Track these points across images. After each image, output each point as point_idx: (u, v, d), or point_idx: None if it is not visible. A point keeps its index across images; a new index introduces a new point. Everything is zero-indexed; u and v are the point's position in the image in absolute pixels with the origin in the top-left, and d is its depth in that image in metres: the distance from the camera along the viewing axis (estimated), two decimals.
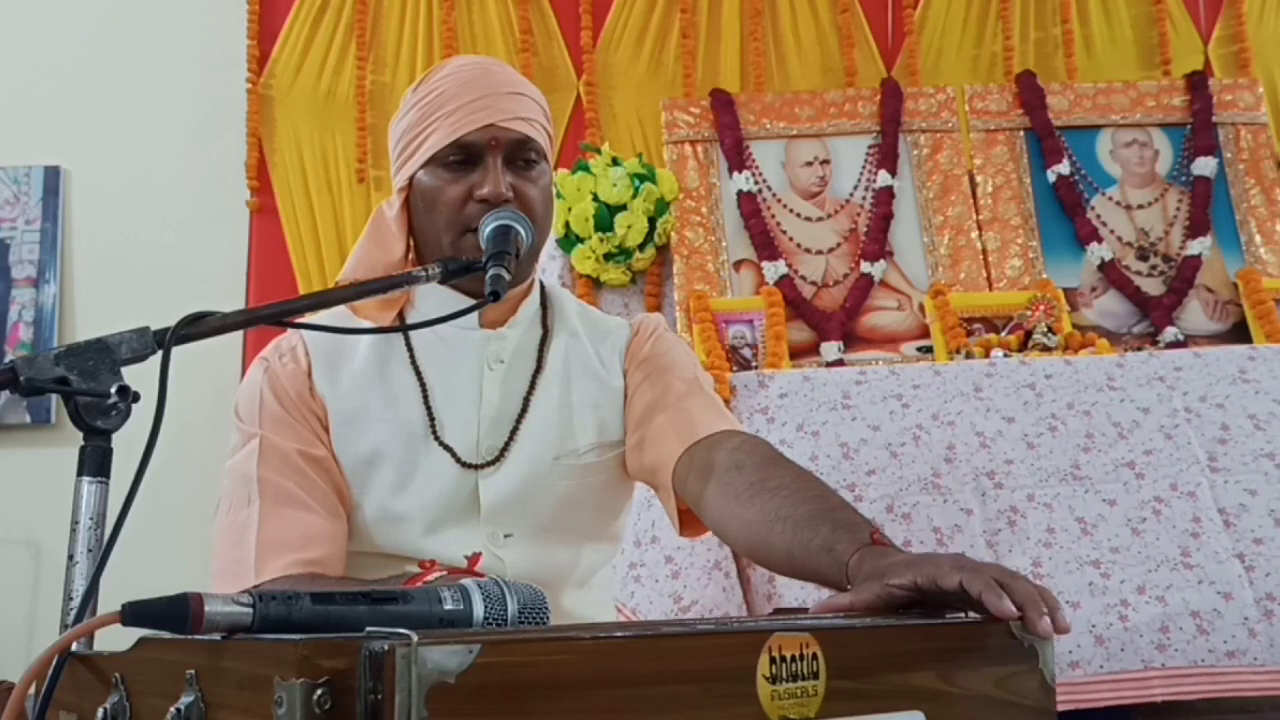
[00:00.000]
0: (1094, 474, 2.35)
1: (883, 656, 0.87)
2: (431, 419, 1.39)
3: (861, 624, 0.91)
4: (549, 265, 3.11)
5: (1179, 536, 2.26)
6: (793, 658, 0.80)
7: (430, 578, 1.14)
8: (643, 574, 2.29)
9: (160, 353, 1.02)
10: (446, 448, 1.38)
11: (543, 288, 1.51)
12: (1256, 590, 2.19)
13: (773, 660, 0.79)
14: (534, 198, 1.38)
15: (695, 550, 2.30)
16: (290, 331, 1.41)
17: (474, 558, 1.23)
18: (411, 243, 1.43)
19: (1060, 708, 2.20)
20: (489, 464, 1.38)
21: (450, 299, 1.39)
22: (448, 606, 0.84)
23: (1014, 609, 0.89)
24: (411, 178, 1.40)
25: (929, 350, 3.04)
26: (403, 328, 1.42)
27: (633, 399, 1.44)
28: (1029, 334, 2.92)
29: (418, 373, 1.41)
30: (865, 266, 3.18)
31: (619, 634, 0.79)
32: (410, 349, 1.43)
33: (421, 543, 1.35)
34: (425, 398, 1.40)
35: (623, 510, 1.51)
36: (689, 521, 1.38)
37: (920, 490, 2.32)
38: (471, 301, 1.33)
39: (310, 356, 1.40)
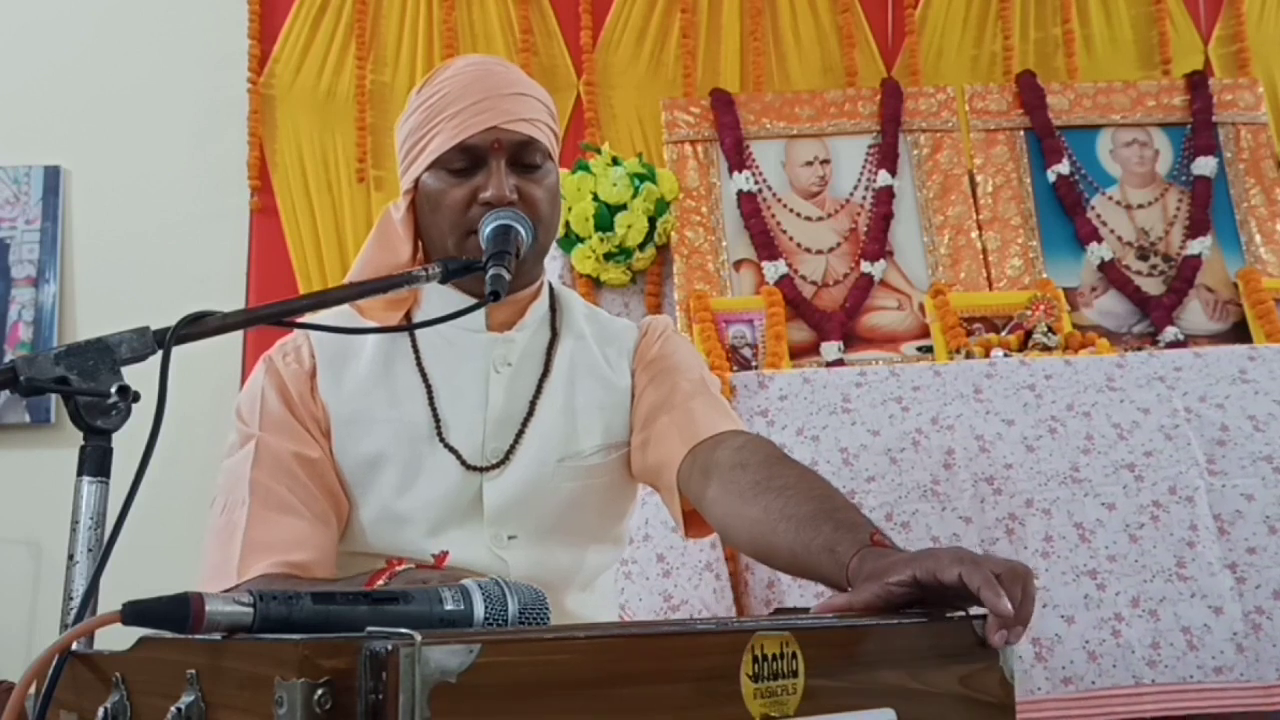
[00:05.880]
0: (1093, 476, 2.36)
1: (857, 655, 0.88)
2: (437, 420, 1.39)
3: (839, 624, 0.92)
4: (549, 265, 3.11)
5: (1175, 545, 2.29)
6: (774, 656, 0.81)
7: (399, 569, 1.15)
8: (634, 571, 2.30)
9: (160, 353, 1.02)
10: (451, 449, 1.38)
11: (551, 290, 1.51)
12: (1245, 603, 2.23)
13: (755, 659, 0.80)
14: (539, 199, 1.38)
15: (687, 550, 2.30)
16: (297, 331, 1.41)
17: (440, 556, 1.24)
18: (419, 245, 1.44)
19: None
20: (493, 466, 1.38)
21: (455, 300, 1.38)
22: (448, 607, 0.84)
23: (1007, 606, 0.91)
24: (417, 180, 1.40)
25: (929, 350, 3.04)
26: (403, 327, 1.42)
27: (639, 400, 1.44)
28: (1029, 334, 2.92)
29: (423, 374, 1.41)
30: (865, 266, 3.18)
31: (616, 634, 0.79)
32: (416, 350, 1.43)
33: (424, 544, 1.35)
34: (430, 399, 1.40)
35: (627, 512, 1.51)
36: (693, 522, 1.38)
37: (919, 498, 2.33)
38: (475, 302, 1.33)
39: (315, 357, 1.40)
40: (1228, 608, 2.22)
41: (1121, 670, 2.18)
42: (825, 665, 0.84)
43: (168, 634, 0.77)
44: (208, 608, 0.75)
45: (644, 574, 2.30)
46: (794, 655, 0.82)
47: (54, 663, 0.85)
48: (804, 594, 2.19)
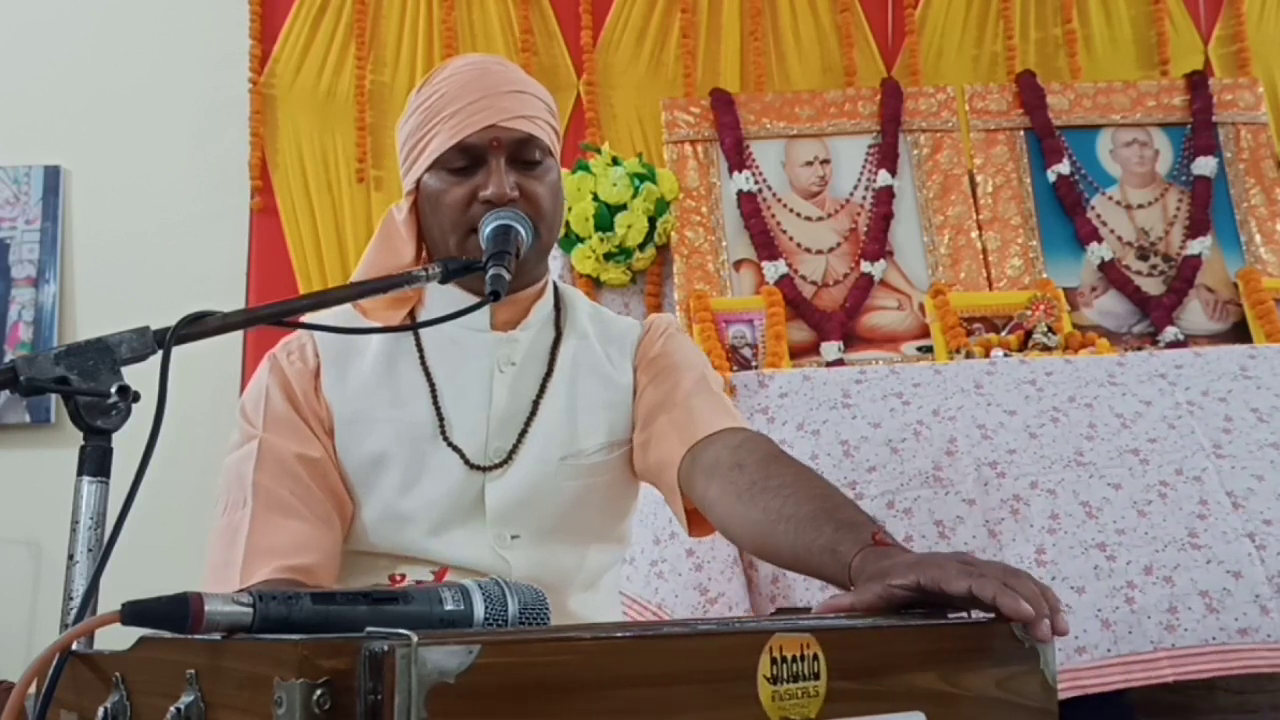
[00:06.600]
0: (1098, 460, 2.30)
1: (884, 657, 0.87)
2: (440, 420, 1.39)
3: (863, 624, 0.91)
4: (549, 265, 3.11)
5: (1186, 518, 2.21)
6: (794, 658, 0.80)
7: (400, 586, 1.15)
8: (665, 570, 2.28)
9: (160, 352, 1.02)
10: (455, 449, 1.38)
11: (556, 289, 1.51)
12: (1268, 568, 2.14)
13: (773, 661, 0.79)
14: (541, 196, 1.38)
15: (716, 544, 2.28)
16: (301, 330, 1.41)
17: (439, 572, 1.24)
18: (422, 246, 1.44)
19: (1068, 694, 2.15)
20: (496, 466, 1.38)
21: (459, 300, 1.38)
22: (448, 607, 0.84)
23: (1029, 609, 0.90)
24: (418, 181, 1.40)
25: (929, 350, 3.04)
26: (406, 327, 1.42)
27: (640, 398, 1.44)
28: (1029, 334, 2.92)
29: (427, 374, 1.41)
30: (865, 266, 3.18)
31: (619, 634, 0.79)
32: (421, 350, 1.43)
33: (426, 543, 1.35)
34: (434, 398, 1.40)
35: (629, 511, 1.51)
36: (697, 521, 1.38)
37: (921, 484, 2.30)
38: (476, 301, 1.33)
39: (320, 357, 1.41)
40: (1247, 572, 2.13)
41: (1138, 636, 2.09)
42: (849, 667, 0.83)
43: (167, 634, 0.77)
44: (207, 608, 0.75)
45: (675, 570, 2.28)
46: (815, 657, 0.81)
47: (54, 662, 0.85)
48: (809, 588, 2.18)
